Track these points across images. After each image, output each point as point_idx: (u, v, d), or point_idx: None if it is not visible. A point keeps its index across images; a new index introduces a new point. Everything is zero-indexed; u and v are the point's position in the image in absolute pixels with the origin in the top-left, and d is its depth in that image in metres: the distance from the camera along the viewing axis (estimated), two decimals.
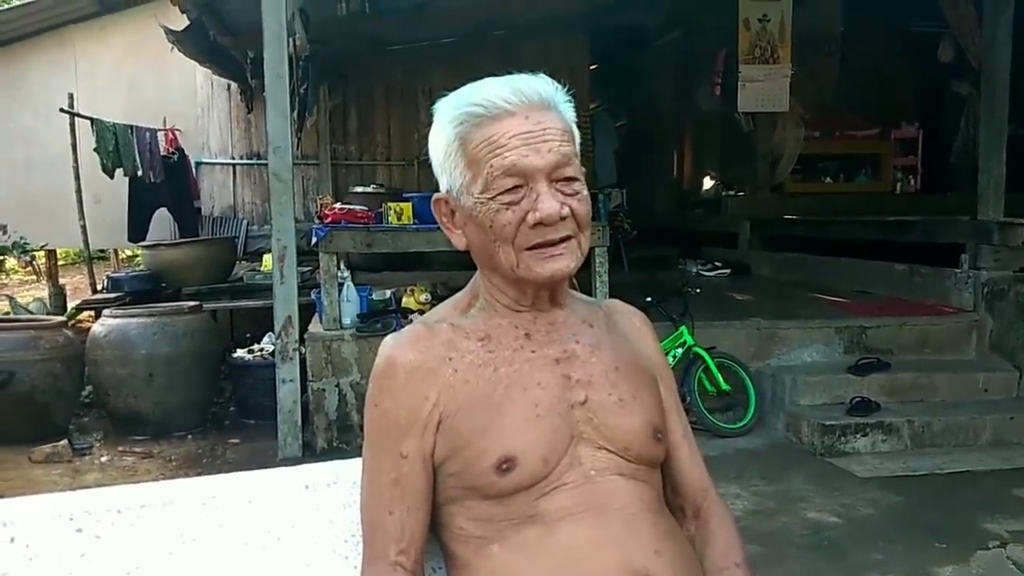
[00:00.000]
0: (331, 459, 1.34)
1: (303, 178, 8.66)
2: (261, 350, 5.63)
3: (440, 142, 1.17)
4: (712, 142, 9.77)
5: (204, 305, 5.95)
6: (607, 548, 1.10)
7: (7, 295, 8.94)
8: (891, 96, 8.97)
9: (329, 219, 4.94)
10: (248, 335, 6.57)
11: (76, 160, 7.44)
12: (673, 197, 10.82)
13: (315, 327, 4.89)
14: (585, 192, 1.17)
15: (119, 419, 5.24)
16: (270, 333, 5.23)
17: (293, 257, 4.55)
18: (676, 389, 1.35)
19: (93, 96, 8.17)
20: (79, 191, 7.56)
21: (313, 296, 5.21)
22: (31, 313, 7.21)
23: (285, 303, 4.53)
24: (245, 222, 8.92)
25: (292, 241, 4.54)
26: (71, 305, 7.83)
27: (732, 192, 9.19)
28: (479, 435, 1.13)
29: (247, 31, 6.20)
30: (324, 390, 4.67)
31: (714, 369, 4.71)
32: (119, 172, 7.63)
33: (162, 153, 8.15)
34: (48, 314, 7.06)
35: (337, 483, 1.26)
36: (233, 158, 9.04)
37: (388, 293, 5.19)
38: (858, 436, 4.38)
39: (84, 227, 7.66)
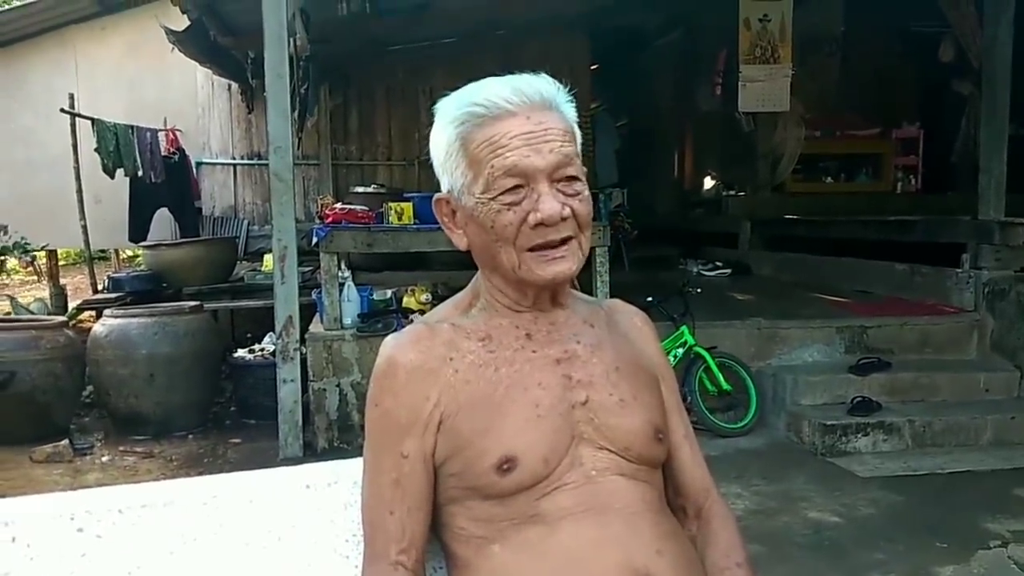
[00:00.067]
0: (332, 459, 1.34)
1: (304, 178, 8.67)
2: (262, 350, 5.64)
3: (441, 142, 1.17)
4: (713, 142, 9.77)
5: (205, 305, 5.96)
6: (608, 548, 1.10)
7: (8, 295, 8.94)
8: (892, 96, 8.97)
9: (330, 219, 4.94)
10: (249, 335, 6.57)
11: (77, 160, 7.44)
12: (674, 197, 10.82)
13: (316, 327, 4.89)
14: (586, 192, 1.16)
15: (120, 419, 5.25)
16: (271, 333, 5.24)
17: (294, 257, 4.55)
18: (677, 389, 1.35)
19: (94, 96, 8.18)
20: (80, 191, 7.56)
21: (314, 296, 5.21)
22: (32, 313, 7.22)
23: (286, 303, 4.53)
24: (246, 222, 8.93)
25: (293, 241, 4.54)
26: (72, 305, 7.83)
27: (733, 192, 9.19)
28: (480, 435, 1.13)
29: (248, 31, 6.20)
30: (325, 390, 4.67)
31: (715, 369, 4.71)
32: (120, 172, 7.63)
33: (163, 153, 8.15)
34: (49, 314, 7.07)
35: (338, 483, 1.26)
36: (234, 158, 9.04)
37: (389, 293, 5.19)
38: (859, 436, 4.38)
39: (85, 227, 7.66)
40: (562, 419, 1.15)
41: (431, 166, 1.21)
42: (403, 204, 5.03)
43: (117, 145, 7.52)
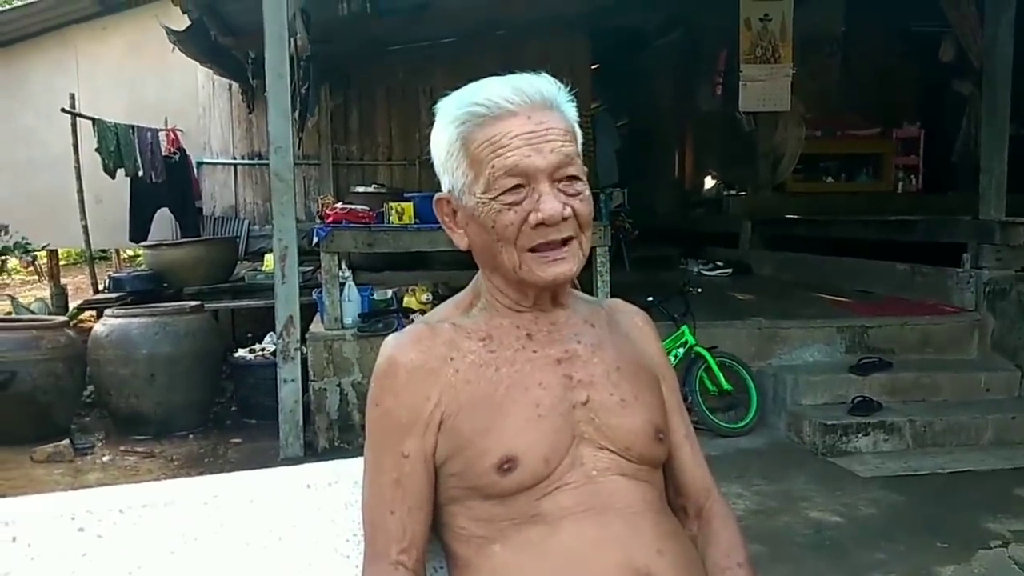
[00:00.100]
0: (333, 459, 1.34)
1: (304, 178, 8.67)
2: (263, 350, 5.64)
3: (442, 142, 1.17)
4: (713, 142, 9.77)
5: (206, 305, 5.96)
6: (609, 548, 1.10)
7: (9, 295, 8.94)
8: (893, 96, 8.97)
9: (330, 219, 4.94)
10: (249, 335, 6.57)
11: (78, 160, 7.45)
12: (674, 197, 10.82)
13: (316, 327, 4.89)
14: (587, 192, 1.16)
15: (121, 419, 5.25)
16: (271, 333, 5.24)
17: (295, 257, 4.55)
18: (678, 389, 1.35)
19: (94, 96, 8.19)
20: (80, 191, 7.57)
21: (314, 296, 5.21)
22: (33, 313, 7.22)
23: (286, 303, 4.53)
24: (246, 222, 8.93)
25: (293, 241, 4.54)
26: (73, 305, 7.83)
27: (733, 192, 9.19)
28: (480, 435, 1.12)
29: (248, 31, 6.21)
30: (325, 390, 4.67)
31: (715, 369, 4.71)
32: (120, 172, 7.64)
33: (163, 153, 8.16)
34: (50, 314, 7.07)
35: (339, 483, 1.26)
36: (234, 158, 9.04)
37: (389, 293, 5.19)
38: (860, 436, 4.38)
39: (86, 227, 7.67)
40: (563, 419, 1.15)
41: (432, 166, 1.21)
42: (404, 204, 5.03)
43: (118, 145, 7.52)
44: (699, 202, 10.15)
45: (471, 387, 1.15)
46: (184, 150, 8.48)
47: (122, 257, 10.69)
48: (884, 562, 3.12)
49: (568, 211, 1.13)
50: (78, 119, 7.51)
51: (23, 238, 8.23)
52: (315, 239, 4.81)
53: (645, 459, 1.18)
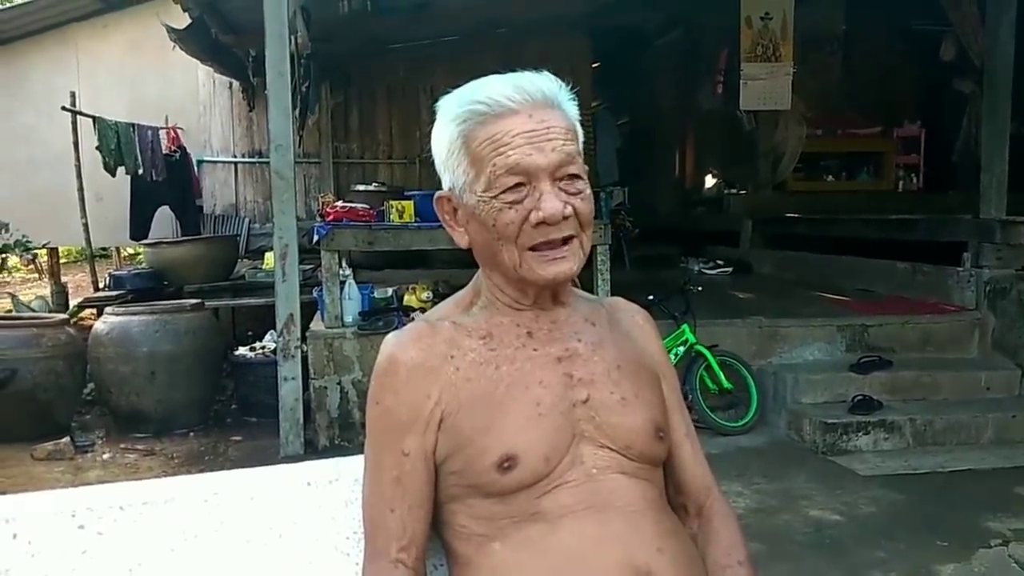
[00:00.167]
0: (333, 457, 1.34)
1: (305, 176, 8.66)
2: (263, 348, 5.64)
3: (443, 140, 1.17)
4: (714, 140, 9.77)
5: (206, 303, 5.96)
6: (609, 546, 1.10)
7: (9, 293, 8.94)
8: (893, 94, 8.96)
9: (331, 217, 4.94)
10: (250, 333, 6.57)
11: (78, 158, 7.45)
12: (675, 195, 10.81)
13: (317, 325, 4.89)
14: (588, 191, 1.16)
15: (121, 417, 5.25)
16: (272, 331, 5.24)
17: (295, 255, 4.55)
18: (679, 387, 1.35)
19: (95, 94, 8.19)
20: (81, 189, 7.57)
21: (315, 294, 5.21)
22: (33, 311, 7.22)
23: (287, 301, 4.53)
24: (247, 220, 8.92)
25: (294, 239, 4.54)
26: (73, 303, 7.83)
27: (734, 190, 9.19)
28: (481, 433, 1.12)
29: (249, 29, 6.21)
30: (326, 388, 4.67)
31: (716, 367, 4.71)
32: (121, 170, 7.64)
33: (164, 151, 8.16)
34: (50, 312, 7.07)
35: (339, 480, 1.26)
36: (235, 156, 9.04)
37: (390, 291, 5.19)
38: (860, 434, 4.38)
39: (86, 225, 7.67)
40: (563, 417, 1.15)
41: (432, 164, 1.21)
42: (404, 202, 5.03)
43: (118, 143, 7.52)
44: (700, 201, 10.14)
45: (471, 385, 1.15)
46: (185, 148, 8.48)
47: (122, 255, 10.70)
48: (884, 560, 3.12)
49: (569, 210, 1.13)
50: (79, 117, 7.50)
51: (23, 236, 8.22)
52: (315, 237, 4.81)
53: (645, 457, 1.18)
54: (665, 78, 10.69)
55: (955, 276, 5.54)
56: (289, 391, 4.54)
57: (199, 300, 5.93)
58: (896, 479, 3.98)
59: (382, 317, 4.76)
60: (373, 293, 5.04)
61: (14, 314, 6.93)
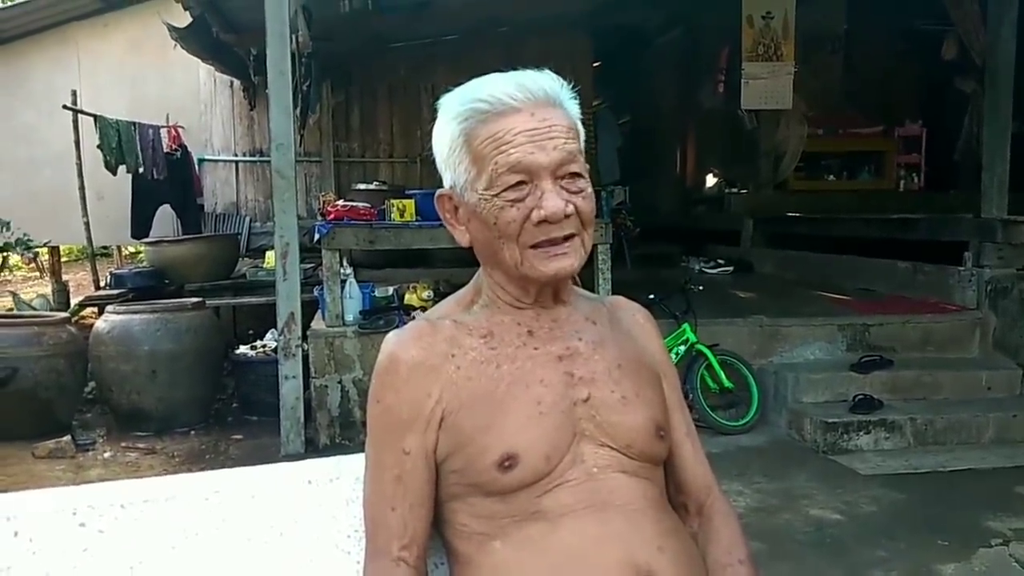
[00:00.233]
0: (334, 455, 1.34)
1: (306, 175, 8.67)
2: (264, 347, 5.64)
3: (444, 138, 1.17)
4: (715, 139, 9.76)
5: (207, 302, 5.96)
6: (610, 545, 1.10)
7: (11, 292, 8.95)
8: (895, 94, 8.95)
9: (332, 216, 4.93)
10: (251, 332, 6.57)
11: (79, 157, 7.45)
12: (676, 194, 10.81)
13: (318, 324, 4.89)
14: (589, 189, 1.16)
15: (122, 415, 5.25)
16: (273, 330, 5.24)
17: (296, 254, 4.55)
18: (679, 386, 1.35)
19: (96, 93, 8.19)
20: (82, 188, 7.58)
21: (316, 293, 5.21)
22: (34, 309, 7.23)
23: (288, 300, 4.53)
24: (248, 219, 8.93)
25: (295, 238, 4.54)
26: (74, 301, 7.83)
27: (735, 189, 9.18)
28: (481, 432, 1.12)
29: (250, 28, 6.21)
30: (327, 387, 4.67)
31: (717, 366, 4.71)
32: (122, 169, 7.64)
33: (165, 150, 8.16)
34: (51, 310, 7.07)
35: (340, 479, 1.26)
36: (236, 155, 9.05)
37: (391, 290, 5.19)
38: (861, 434, 4.38)
39: (87, 224, 7.67)
40: (564, 416, 1.15)
41: (433, 162, 1.21)
42: (405, 201, 5.03)
43: (119, 142, 7.53)
44: (701, 200, 10.14)
45: (472, 384, 1.15)
46: (186, 147, 8.48)
47: (123, 254, 10.70)
48: (885, 560, 3.12)
49: (570, 208, 1.13)
50: (80, 116, 7.51)
51: (25, 234, 8.22)
52: (316, 236, 4.81)
53: (646, 456, 1.18)
54: (666, 77, 10.69)
55: (956, 275, 5.54)
56: (290, 390, 4.54)
57: (200, 299, 5.93)
58: (897, 478, 3.98)
59: (383, 316, 4.77)
60: (374, 292, 5.04)
61: (15, 313, 6.94)
